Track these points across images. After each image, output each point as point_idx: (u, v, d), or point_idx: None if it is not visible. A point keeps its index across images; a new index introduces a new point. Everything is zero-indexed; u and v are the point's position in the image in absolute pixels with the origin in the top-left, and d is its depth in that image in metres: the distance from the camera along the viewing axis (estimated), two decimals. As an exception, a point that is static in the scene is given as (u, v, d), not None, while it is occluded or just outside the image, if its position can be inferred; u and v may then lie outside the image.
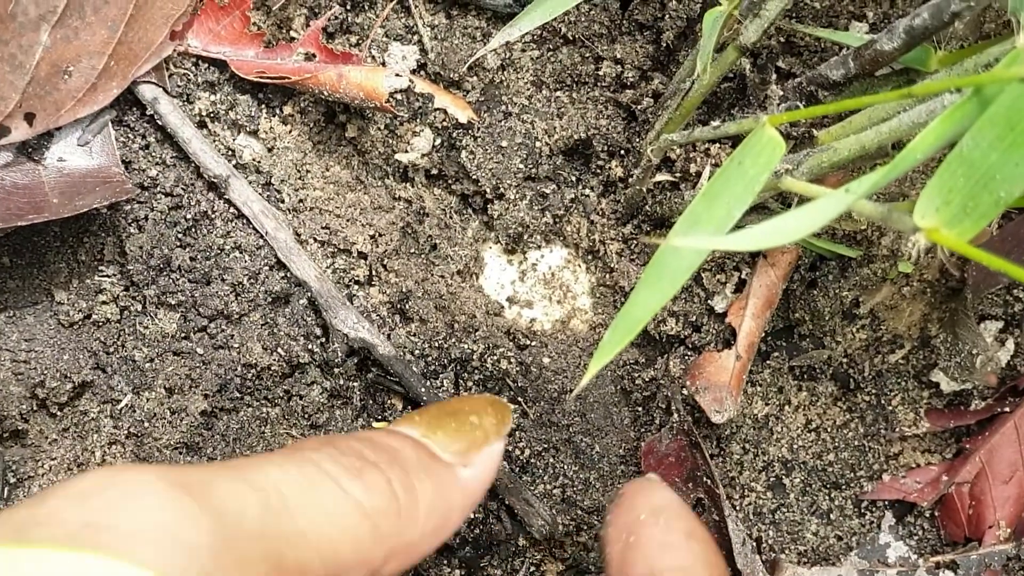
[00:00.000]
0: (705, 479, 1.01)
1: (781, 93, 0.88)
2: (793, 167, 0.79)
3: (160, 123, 0.97)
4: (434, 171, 0.97)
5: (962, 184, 0.62)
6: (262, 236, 0.97)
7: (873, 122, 0.78)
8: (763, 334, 0.97)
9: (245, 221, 0.97)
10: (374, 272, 0.99)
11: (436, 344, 0.96)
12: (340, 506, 0.67)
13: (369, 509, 0.68)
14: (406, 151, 0.96)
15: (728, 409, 0.93)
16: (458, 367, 0.97)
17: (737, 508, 1.04)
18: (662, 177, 0.93)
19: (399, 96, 0.93)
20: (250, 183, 0.98)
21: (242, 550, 0.60)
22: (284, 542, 0.63)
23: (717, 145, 0.90)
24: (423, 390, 0.95)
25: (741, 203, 0.71)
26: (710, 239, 0.69)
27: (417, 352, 0.97)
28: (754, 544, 1.02)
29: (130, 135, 0.97)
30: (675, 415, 1.01)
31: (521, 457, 0.97)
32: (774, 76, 0.91)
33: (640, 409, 1.02)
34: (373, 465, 0.71)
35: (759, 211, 0.86)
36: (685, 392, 0.95)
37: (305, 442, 0.70)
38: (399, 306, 0.98)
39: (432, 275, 0.99)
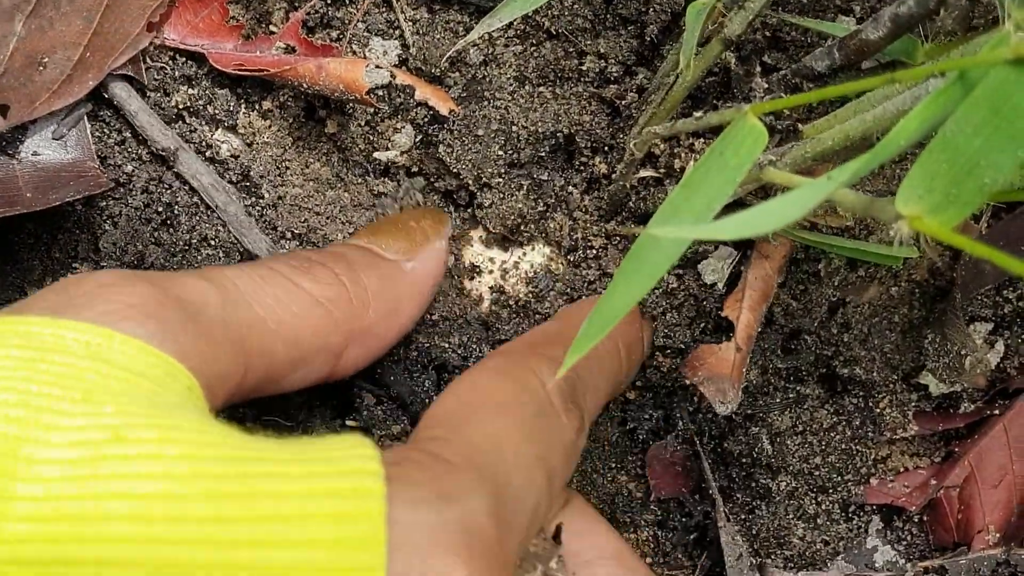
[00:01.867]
0: (710, 492, 1.01)
1: (766, 86, 0.87)
2: (776, 159, 0.78)
3: (116, 104, 0.96)
4: (414, 168, 0.96)
5: (945, 170, 0.60)
6: (227, 224, 0.96)
7: (859, 114, 0.77)
8: (760, 327, 0.96)
9: (210, 213, 0.97)
10: None
11: (415, 345, 0.96)
12: (293, 295, 0.75)
13: (320, 297, 0.76)
14: (387, 148, 0.95)
15: (731, 400, 0.93)
16: (439, 366, 0.96)
17: (731, 520, 1.03)
18: (646, 173, 0.92)
19: (380, 92, 0.92)
20: (225, 176, 0.97)
21: (208, 331, 0.66)
22: (246, 327, 0.70)
23: (702, 140, 0.89)
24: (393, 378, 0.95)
25: (722, 194, 0.70)
26: (690, 228, 0.68)
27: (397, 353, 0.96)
28: (752, 561, 1.01)
29: (105, 130, 0.96)
30: (679, 423, 1.01)
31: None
32: (759, 69, 0.91)
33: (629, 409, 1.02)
34: (319, 263, 0.79)
35: (739, 207, 0.85)
36: (688, 382, 0.95)
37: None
38: None
39: None
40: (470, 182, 0.94)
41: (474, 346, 0.95)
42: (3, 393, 0.54)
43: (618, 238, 0.94)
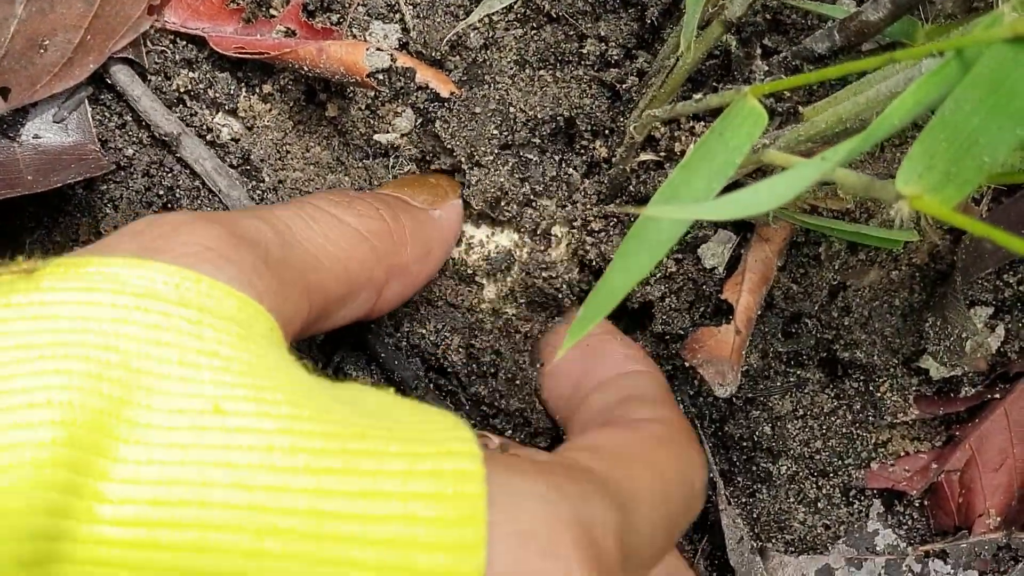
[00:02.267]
0: (711, 476, 1.01)
1: (766, 68, 0.87)
2: (771, 141, 0.78)
3: (118, 89, 0.97)
4: (416, 153, 0.96)
5: (945, 149, 0.61)
6: (221, 201, 0.97)
7: (854, 96, 0.77)
8: (759, 310, 0.97)
9: (211, 196, 0.97)
10: None
11: (404, 329, 0.97)
12: (340, 231, 0.77)
13: (365, 231, 0.79)
14: (387, 131, 0.95)
15: (731, 383, 0.94)
16: (431, 349, 0.97)
17: (732, 504, 1.03)
18: (646, 156, 0.92)
19: (380, 75, 0.93)
20: (227, 160, 0.98)
21: (278, 272, 0.67)
22: (303, 266, 0.72)
23: (702, 123, 0.90)
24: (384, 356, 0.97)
25: (722, 175, 0.70)
26: (688, 208, 0.68)
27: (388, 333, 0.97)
28: (753, 544, 1.02)
29: (107, 114, 0.96)
30: (680, 406, 1.01)
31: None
32: (759, 51, 0.91)
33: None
34: (359, 199, 0.82)
35: (734, 189, 0.85)
36: (687, 364, 0.95)
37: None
38: None
39: None
40: (463, 159, 0.94)
41: (447, 334, 0.96)
42: (105, 352, 0.55)
43: (616, 219, 0.94)
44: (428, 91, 0.94)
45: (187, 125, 0.97)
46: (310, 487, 0.53)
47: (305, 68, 0.93)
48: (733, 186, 0.77)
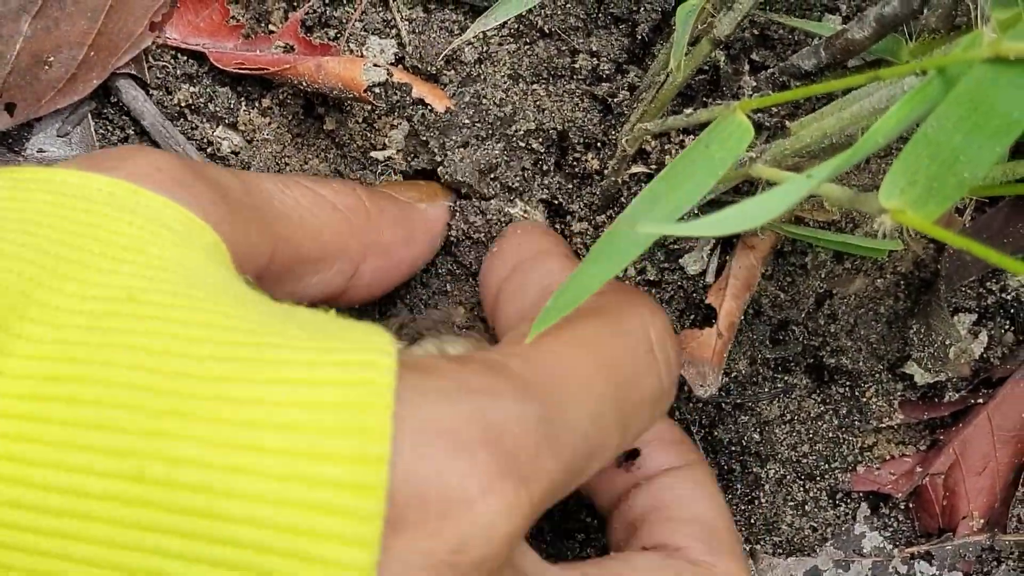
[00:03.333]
0: None
1: (754, 84, 0.89)
2: (758, 155, 0.80)
3: (130, 112, 0.98)
4: (409, 170, 0.98)
5: (926, 165, 0.62)
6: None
7: (838, 112, 0.79)
8: (742, 315, 0.98)
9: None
10: None
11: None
12: (313, 199, 0.78)
13: (339, 204, 0.80)
14: (383, 147, 0.97)
15: (711, 384, 0.95)
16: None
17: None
18: (637, 169, 0.93)
19: (377, 89, 0.94)
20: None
21: (237, 209, 0.67)
22: (269, 216, 0.72)
23: (692, 137, 0.91)
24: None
25: (703, 187, 0.72)
26: (667, 225, 0.70)
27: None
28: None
29: (109, 128, 0.98)
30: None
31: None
32: (747, 67, 0.92)
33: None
34: (337, 180, 0.85)
35: (712, 205, 0.86)
36: None
37: None
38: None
39: None
40: (451, 184, 0.96)
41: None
42: (24, 237, 0.56)
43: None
44: (424, 105, 0.95)
45: (188, 139, 0.98)
46: (215, 373, 0.52)
47: (304, 83, 0.94)
48: (708, 201, 0.80)
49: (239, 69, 0.96)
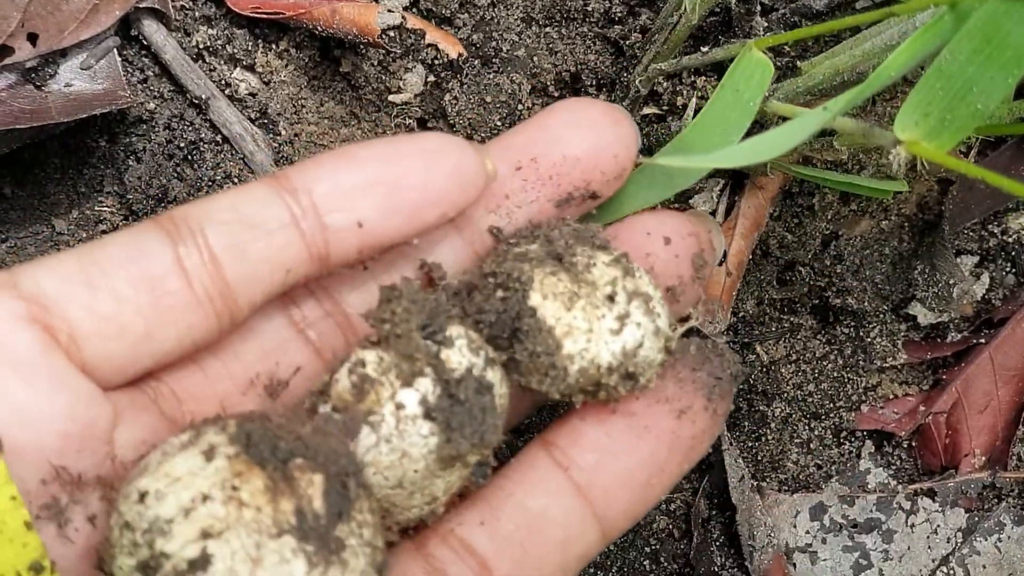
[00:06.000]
0: None
1: (765, 24, 0.91)
2: (770, 93, 0.81)
3: (152, 52, 0.99)
4: (425, 116, 1.00)
5: (940, 97, 0.64)
6: (245, 160, 0.99)
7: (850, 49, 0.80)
8: (750, 255, 1.00)
9: (231, 150, 1.00)
10: None
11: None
12: None
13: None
14: (399, 90, 0.98)
15: (720, 321, 0.98)
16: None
17: (733, 444, 1.06)
18: (649, 110, 0.95)
19: (392, 33, 0.95)
20: (244, 113, 1.00)
21: None
22: None
23: (703, 78, 0.93)
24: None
25: (739, 128, 0.75)
26: (700, 158, 0.73)
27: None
28: (753, 483, 1.05)
29: (129, 68, 0.99)
30: None
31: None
32: (759, 8, 0.94)
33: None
34: None
35: None
36: None
37: None
38: None
39: None
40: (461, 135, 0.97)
41: None
42: None
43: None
44: (439, 51, 0.96)
45: (208, 80, 0.99)
46: None
47: (319, 28, 0.96)
48: None
49: (256, 13, 0.98)
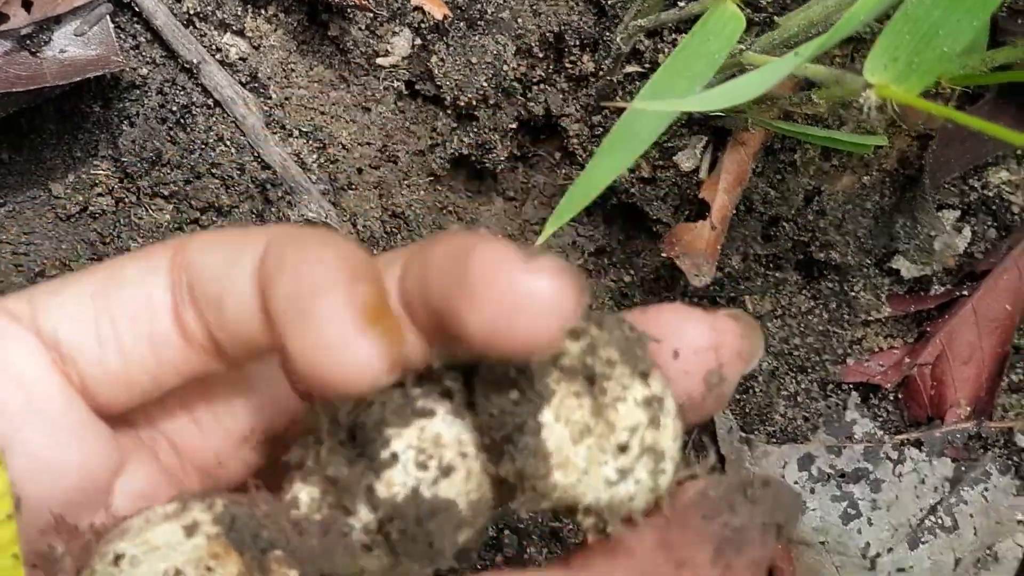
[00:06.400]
0: None
1: (744, -21, 0.92)
2: (747, 47, 0.83)
3: (144, 18, 1.01)
4: (413, 79, 1.02)
5: (908, 41, 0.67)
6: (236, 123, 1.01)
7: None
8: (734, 209, 1.02)
9: (223, 113, 1.02)
10: (356, 167, 1.04)
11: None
12: None
13: None
14: (386, 53, 1.00)
15: (706, 274, 0.99)
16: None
17: None
18: (632, 68, 0.97)
19: (378, -3, 0.98)
20: (235, 77, 1.02)
21: None
22: None
23: (685, 36, 0.94)
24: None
25: (703, 76, 0.77)
26: (675, 101, 0.74)
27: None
28: (741, 436, 1.07)
29: (121, 35, 1.01)
30: None
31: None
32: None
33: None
34: None
35: None
36: (665, 255, 1.01)
37: None
38: (387, 207, 1.05)
39: (410, 176, 1.05)
40: (447, 99, 1.00)
41: None
42: None
43: (601, 127, 0.99)
44: (424, 14, 0.98)
45: (198, 45, 1.01)
46: None
47: None
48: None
49: None
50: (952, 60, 0.67)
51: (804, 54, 0.67)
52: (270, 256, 0.50)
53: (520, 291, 0.45)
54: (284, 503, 0.56)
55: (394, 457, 0.53)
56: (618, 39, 0.93)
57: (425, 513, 0.54)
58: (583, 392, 0.53)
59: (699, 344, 0.56)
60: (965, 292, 1.10)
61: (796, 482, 1.08)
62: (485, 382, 0.53)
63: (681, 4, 0.90)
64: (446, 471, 0.55)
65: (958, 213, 1.08)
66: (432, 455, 0.55)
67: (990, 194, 1.07)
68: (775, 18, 0.88)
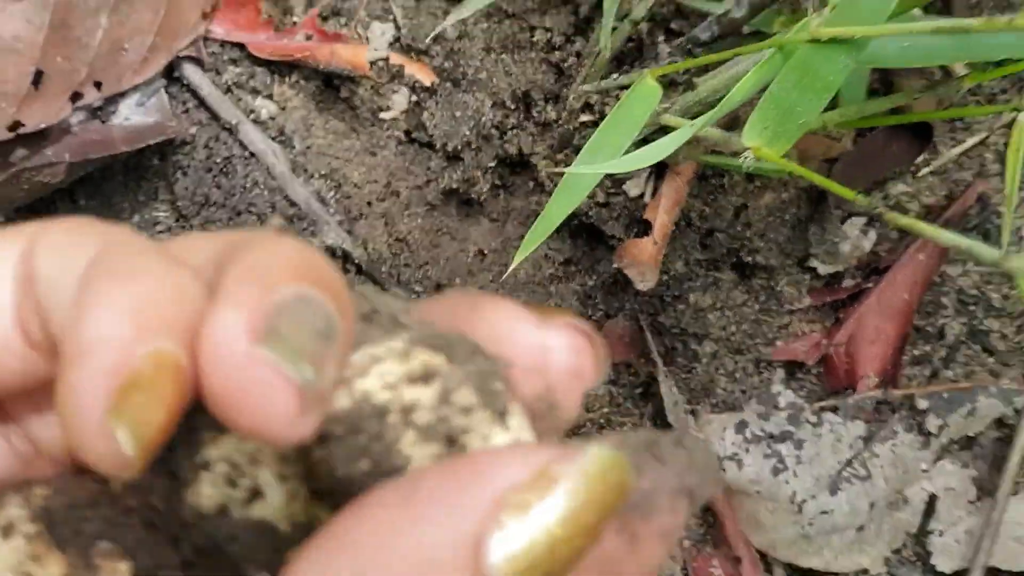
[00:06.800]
0: (652, 356, 1.20)
1: (668, 50, 1.07)
2: (671, 105, 0.99)
3: (191, 89, 1.16)
4: (410, 129, 1.17)
5: (773, 115, 0.82)
6: (268, 170, 1.15)
7: (721, 74, 0.98)
8: (674, 226, 1.15)
9: (257, 163, 1.16)
10: (366, 201, 1.19)
11: (414, 264, 1.17)
12: None
13: None
14: (388, 109, 1.17)
15: (650, 280, 1.12)
16: (426, 278, 1.16)
17: (668, 376, 1.21)
18: (585, 118, 1.13)
19: (379, 64, 1.15)
20: (266, 133, 1.17)
21: None
22: None
23: (626, 92, 1.10)
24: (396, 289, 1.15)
25: (629, 137, 0.91)
26: (603, 165, 0.90)
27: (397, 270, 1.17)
28: (686, 407, 1.21)
29: (173, 102, 1.17)
30: (626, 305, 1.21)
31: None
32: (662, 38, 1.11)
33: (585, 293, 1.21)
34: None
35: (645, 143, 1.01)
36: (616, 266, 1.13)
37: None
38: (392, 233, 1.19)
39: (410, 207, 1.19)
40: (436, 145, 1.15)
41: None
42: None
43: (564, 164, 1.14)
44: (417, 79, 1.15)
45: (237, 109, 1.17)
46: None
47: (321, 65, 1.15)
48: (642, 140, 0.97)
49: (271, 55, 1.17)
50: (808, 125, 0.83)
51: (697, 124, 0.83)
52: (90, 270, 0.39)
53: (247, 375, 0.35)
54: (110, 488, 0.46)
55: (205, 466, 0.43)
56: (571, 98, 1.09)
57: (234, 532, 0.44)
58: (442, 452, 0.41)
59: (529, 358, 0.45)
60: (870, 284, 1.22)
61: (733, 443, 1.17)
62: (333, 455, 0.41)
63: (615, 76, 1.05)
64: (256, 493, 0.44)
65: (865, 219, 1.23)
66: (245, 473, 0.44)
67: (891, 204, 1.21)
68: (694, 80, 1.02)
